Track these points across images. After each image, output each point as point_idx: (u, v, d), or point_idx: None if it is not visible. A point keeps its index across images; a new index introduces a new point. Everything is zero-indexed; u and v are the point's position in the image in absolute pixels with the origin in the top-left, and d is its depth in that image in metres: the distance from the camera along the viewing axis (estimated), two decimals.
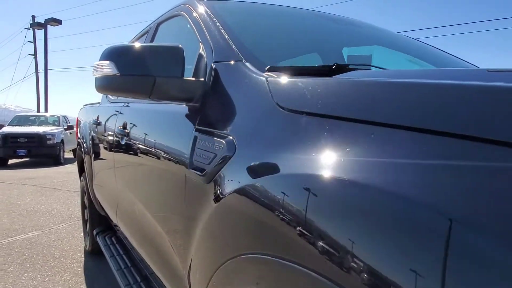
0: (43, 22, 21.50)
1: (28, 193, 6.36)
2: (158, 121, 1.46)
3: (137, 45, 1.12)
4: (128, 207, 1.87)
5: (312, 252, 0.54)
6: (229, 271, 0.75)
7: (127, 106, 1.99)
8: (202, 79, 1.15)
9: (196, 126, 1.08)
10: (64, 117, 14.68)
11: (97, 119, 2.55)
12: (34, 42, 27.86)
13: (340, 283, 0.50)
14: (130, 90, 1.11)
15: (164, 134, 1.35)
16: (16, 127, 12.77)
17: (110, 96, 2.59)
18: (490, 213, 0.38)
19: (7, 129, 12.17)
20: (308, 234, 0.56)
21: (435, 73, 0.88)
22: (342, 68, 1.02)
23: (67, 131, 13.43)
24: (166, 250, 1.28)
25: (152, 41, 1.95)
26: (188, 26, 1.49)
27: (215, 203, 0.85)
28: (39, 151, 11.90)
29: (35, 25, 22.02)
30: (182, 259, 1.10)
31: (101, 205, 2.76)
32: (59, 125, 13.49)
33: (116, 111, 2.15)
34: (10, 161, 12.17)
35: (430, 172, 0.47)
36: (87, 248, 3.32)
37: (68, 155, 14.11)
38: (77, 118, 3.91)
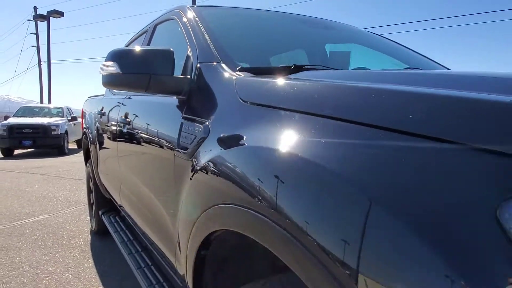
0: (45, 14, 21.64)
1: (35, 181, 6.67)
2: (154, 111, 1.73)
3: (136, 48, 1.37)
4: (130, 187, 2.13)
5: (262, 200, 0.80)
6: (205, 220, 1.01)
7: (129, 98, 2.24)
8: (189, 76, 1.41)
9: (183, 114, 1.35)
10: (68, 108, 14.95)
11: (102, 110, 2.81)
12: (37, 33, 28.01)
13: (273, 220, 0.76)
14: (130, 86, 1.37)
15: (159, 121, 1.61)
16: (21, 118, 13.05)
17: (113, 89, 2.84)
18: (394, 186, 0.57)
19: (12, 120, 12.46)
20: (260, 186, 0.82)
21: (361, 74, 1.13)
22: (299, 68, 1.28)
23: (71, 122, 13.71)
24: (162, 219, 1.55)
25: (150, 40, 2.21)
26: (179, 29, 1.74)
27: (195, 173, 1.11)
28: (44, 142, 12.21)
29: (37, 17, 22.17)
30: (173, 223, 1.37)
31: (106, 189, 3.04)
32: (63, 116, 13.75)
33: (119, 102, 2.41)
34: (16, 152, 12.49)
35: (344, 149, 0.71)
36: (93, 228, 3.61)
37: (72, 146, 14.41)
38: (82, 109, 4.16)
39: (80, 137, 15.08)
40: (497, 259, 0.46)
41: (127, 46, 2.98)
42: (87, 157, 3.80)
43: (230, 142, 0.99)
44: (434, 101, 0.66)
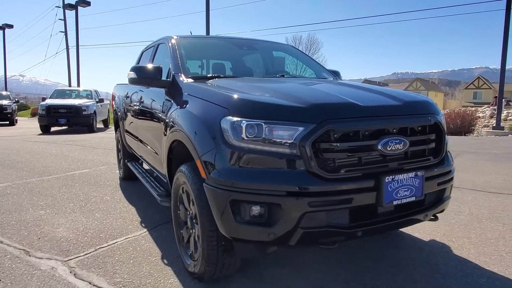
0: (73, 3, 23.42)
1: (74, 149, 8.42)
2: (154, 95, 3.23)
3: (144, 65, 2.89)
4: (144, 141, 3.67)
5: (184, 126, 2.30)
6: (168, 138, 2.51)
7: (143, 87, 3.77)
8: (169, 79, 2.91)
9: (165, 97, 2.85)
10: (96, 91, 16.73)
11: (127, 94, 4.37)
12: (64, 20, 29.95)
13: (185, 133, 2.26)
14: (141, 84, 2.90)
15: (155, 101, 3.12)
16: (56, 99, 14.85)
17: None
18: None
19: (49, 101, 14.29)
20: (184, 122, 2.32)
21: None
22: (218, 76, 2.78)
23: (99, 104, 15.48)
24: (159, 152, 3.07)
25: (154, 54, 3.72)
26: (167, 50, 3.24)
27: (166, 123, 2.63)
28: (76, 120, 14.01)
29: (66, 7, 24.00)
30: (162, 151, 2.90)
31: (129, 146, 4.62)
32: (91, 98, 15.50)
33: (137, 90, 3.94)
34: (52, 129, 14.37)
35: (201, 108, 2.19)
36: (121, 176, 5.23)
37: (99, 125, 16.22)
38: (112, 93, 5.73)
39: (106, 117, 17.01)
40: (217, 137, 1.95)
41: (142, 52, 4.50)
42: (116, 127, 5.39)
43: (177, 108, 2.51)
44: (225, 94, 2.15)
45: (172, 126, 2.49)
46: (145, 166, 4.29)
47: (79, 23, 25.73)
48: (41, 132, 13.62)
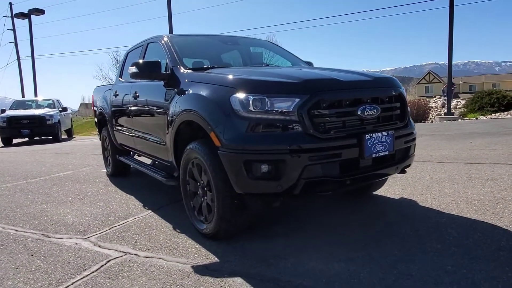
0: (26, 12, 22.63)
1: (49, 156, 8.39)
2: (153, 88, 3.53)
3: (144, 60, 3.21)
4: (142, 133, 3.95)
5: (191, 107, 2.67)
6: (177, 120, 2.85)
7: (136, 83, 4.05)
8: (167, 72, 3.26)
9: (166, 88, 3.20)
10: (58, 100, 16.36)
11: (116, 92, 4.61)
12: (14, 30, 28.73)
13: (194, 112, 2.64)
14: (143, 77, 3.22)
15: (156, 92, 3.44)
16: (17, 110, 14.43)
17: (121, 79, 4.66)
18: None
19: (10, 112, 13.88)
20: (188, 105, 2.69)
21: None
22: (213, 67, 3.17)
23: (62, 113, 15.20)
24: (162, 142, 3.38)
25: (145, 52, 4.02)
26: (161, 48, 3.58)
27: (170, 108, 2.98)
28: (41, 130, 13.71)
29: (18, 16, 23.12)
30: (166, 141, 3.22)
31: (118, 142, 4.85)
32: (54, 108, 15.18)
33: (130, 85, 4.20)
34: (14, 141, 13.95)
35: (209, 90, 2.58)
36: (109, 173, 5.43)
37: (63, 135, 15.88)
38: (93, 96, 5.91)
39: (69, 127, 16.65)
40: (228, 111, 2.35)
41: (127, 53, 4.78)
42: (101, 127, 5.57)
43: (182, 94, 2.87)
44: (230, 77, 2.55)
45: (180, 110, 2.84)
46: (136, 157, 4.57)
47: (33, 32, 24.83)
48: (2, 145, 13.22)
